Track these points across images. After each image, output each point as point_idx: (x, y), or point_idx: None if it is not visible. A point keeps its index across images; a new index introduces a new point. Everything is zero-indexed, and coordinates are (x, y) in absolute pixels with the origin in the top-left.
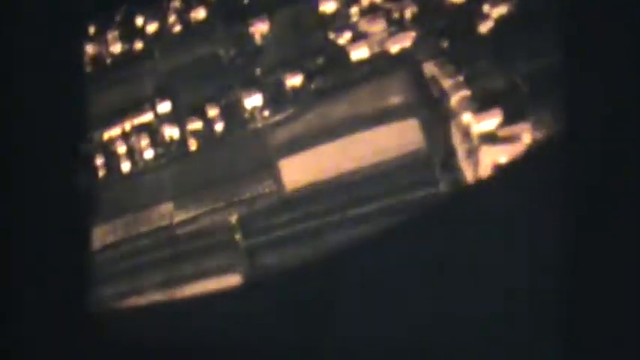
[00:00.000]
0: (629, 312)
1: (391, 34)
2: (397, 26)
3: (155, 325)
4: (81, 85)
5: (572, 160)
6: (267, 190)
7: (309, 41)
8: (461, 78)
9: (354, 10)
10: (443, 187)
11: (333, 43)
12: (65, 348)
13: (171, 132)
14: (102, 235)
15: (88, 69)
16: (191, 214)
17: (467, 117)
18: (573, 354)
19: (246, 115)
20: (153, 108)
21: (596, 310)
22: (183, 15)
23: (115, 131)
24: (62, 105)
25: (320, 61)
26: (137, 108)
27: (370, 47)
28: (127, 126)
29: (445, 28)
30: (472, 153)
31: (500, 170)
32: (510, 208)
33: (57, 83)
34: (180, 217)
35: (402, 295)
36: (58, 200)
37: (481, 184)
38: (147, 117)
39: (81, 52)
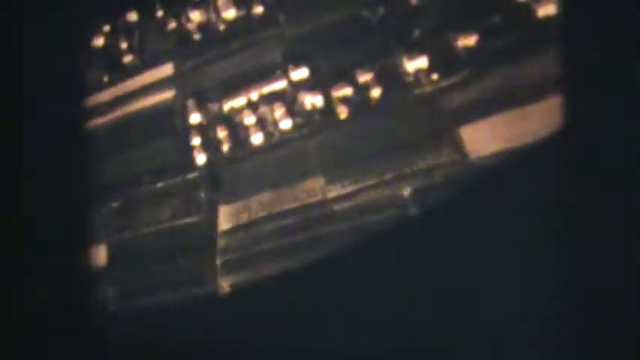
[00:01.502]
0: (629, 310)
1: None
2: None
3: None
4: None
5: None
6: (446, 160)
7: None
8: None
9: None
10: None
11: (511, 1)
12: (66, 348)
13: (312, 99)
14: (233, 214)
15: (196, 37)
16: (348, 189)
17: None
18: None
19: (409, 79)
20: (286, 75)
21: (595, 308)
22: None
23: (238, 102)
24: (60, 99)
25: (497, 19)
26: (264, 76)
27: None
28: (254, 95)
29: None
30: None
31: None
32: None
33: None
34: (334, 192)
35: None
36: (59, 197)
37: None
38: (279, 85)
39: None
